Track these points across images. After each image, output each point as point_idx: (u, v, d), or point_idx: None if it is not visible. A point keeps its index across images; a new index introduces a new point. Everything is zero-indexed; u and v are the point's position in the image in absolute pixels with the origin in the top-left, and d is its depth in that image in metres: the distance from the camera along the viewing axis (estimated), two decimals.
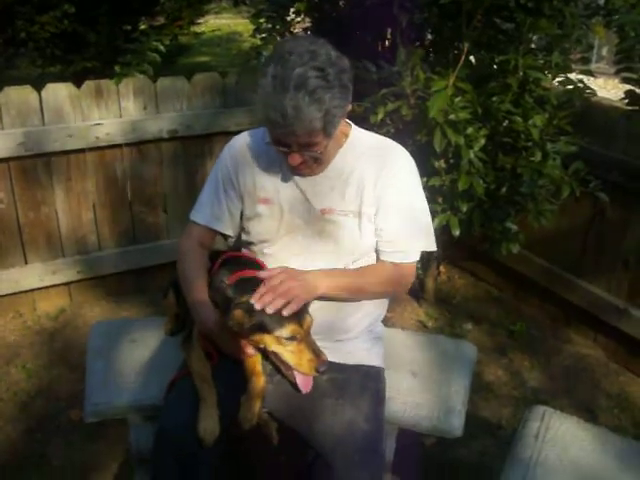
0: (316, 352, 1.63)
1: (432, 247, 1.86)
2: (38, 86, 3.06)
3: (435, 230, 1.88)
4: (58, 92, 3.12)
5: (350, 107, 1.66)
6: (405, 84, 2.17)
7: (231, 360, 1.80)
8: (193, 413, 1.69)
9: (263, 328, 1.62)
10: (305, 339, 1.64)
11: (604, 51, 8.22)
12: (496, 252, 2.91)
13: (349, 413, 1.74)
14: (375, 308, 1.92)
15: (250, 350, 1.70)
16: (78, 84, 3.16)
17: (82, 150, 3.24)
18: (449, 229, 2.62)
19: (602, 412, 2.85)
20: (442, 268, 4.00)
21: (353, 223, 1.77)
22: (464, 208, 2.50)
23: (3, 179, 3.12)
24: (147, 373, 2.02)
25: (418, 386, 2.04)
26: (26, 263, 3.30)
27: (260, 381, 1.81)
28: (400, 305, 3.57)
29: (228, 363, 1.80)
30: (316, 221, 1.78)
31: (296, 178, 1.79)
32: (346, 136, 1.80)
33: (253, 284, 1.65)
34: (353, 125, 1.84)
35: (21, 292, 3.33)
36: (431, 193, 2.56)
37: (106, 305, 3.51)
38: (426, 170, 2.49)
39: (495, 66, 2.48)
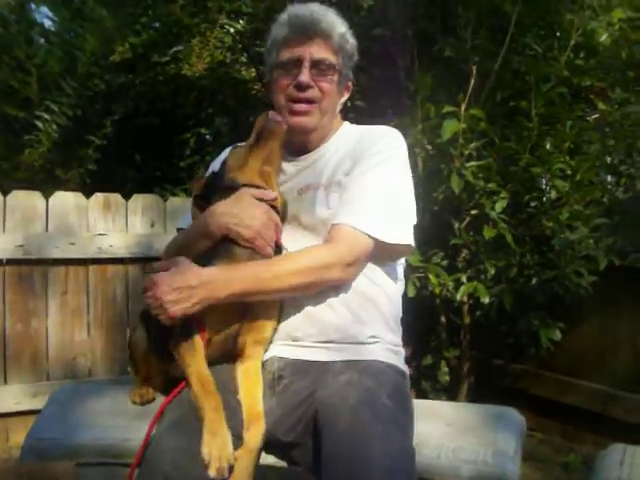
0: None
1: (406, 236, 1.52)
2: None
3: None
4: (65, 200, 3.09)
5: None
6: (416, 118, 2.08)
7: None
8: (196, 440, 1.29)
9: None
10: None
11: None
12: (534, 346, 2.54)
13: (368, 382, 1.37)
14: (390, 318, 1.61)
15: None
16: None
17: (83, 261, 3.10)
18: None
19: None
20: None
21: (322, 194, 1.57)
22: (492, 270, 2.23)
23: None
24: (113, 416, 1.61)
25: (454, 432, 1.59)
26: (5, 382, 2.95)
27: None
28: None
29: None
30: (294, 204, 1.59)
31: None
32: (338, 129, 1.68)
33: None
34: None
35: None
36: (452, 259, 2.32)
37: None
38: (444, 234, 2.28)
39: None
